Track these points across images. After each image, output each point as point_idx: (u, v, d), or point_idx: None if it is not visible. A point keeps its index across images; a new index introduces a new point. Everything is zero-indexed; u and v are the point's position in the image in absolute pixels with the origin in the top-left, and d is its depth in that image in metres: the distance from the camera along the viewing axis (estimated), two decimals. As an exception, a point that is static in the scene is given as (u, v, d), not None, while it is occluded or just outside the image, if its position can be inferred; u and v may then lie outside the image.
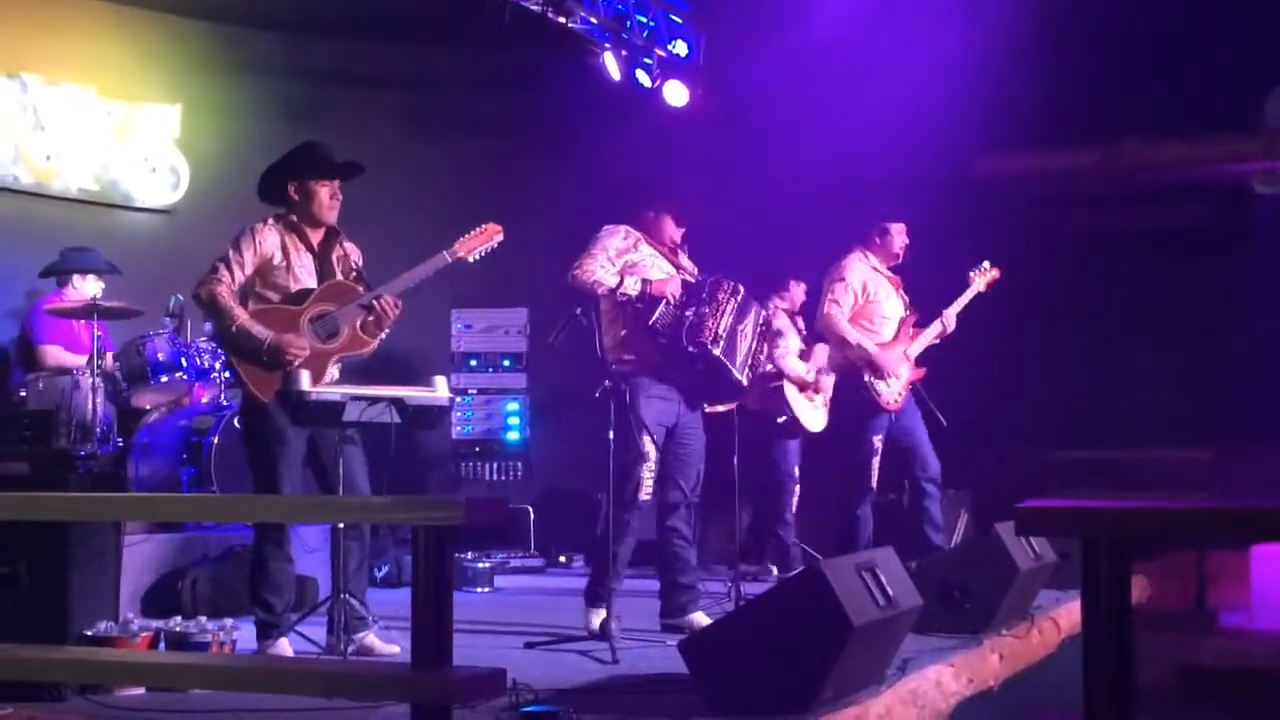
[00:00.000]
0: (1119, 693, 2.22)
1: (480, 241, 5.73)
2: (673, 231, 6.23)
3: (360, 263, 5.65)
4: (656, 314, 5.90)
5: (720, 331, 5.92)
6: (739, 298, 6.07)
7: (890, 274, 7.30)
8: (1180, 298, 9.22)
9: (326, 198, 5.50)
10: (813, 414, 8.21)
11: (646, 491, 5.93)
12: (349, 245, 5.64)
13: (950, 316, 7.30)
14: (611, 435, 5.68)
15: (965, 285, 7.39)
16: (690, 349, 5.88)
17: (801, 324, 8.35)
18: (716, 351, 5.91)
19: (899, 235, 7.25)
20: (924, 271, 7.42)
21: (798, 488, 8.30)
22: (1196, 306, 9.17)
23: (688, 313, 5.91)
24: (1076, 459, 9.06)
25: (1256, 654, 7.93)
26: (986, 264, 7.46)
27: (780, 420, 8.11)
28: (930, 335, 7.24)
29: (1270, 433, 8.71)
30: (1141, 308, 9.34)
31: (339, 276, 5.53)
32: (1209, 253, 9.22)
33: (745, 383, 6.09)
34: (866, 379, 7.02)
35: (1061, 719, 5.52)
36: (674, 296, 5.97)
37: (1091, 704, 2.24)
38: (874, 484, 7.06)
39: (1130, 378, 9.19)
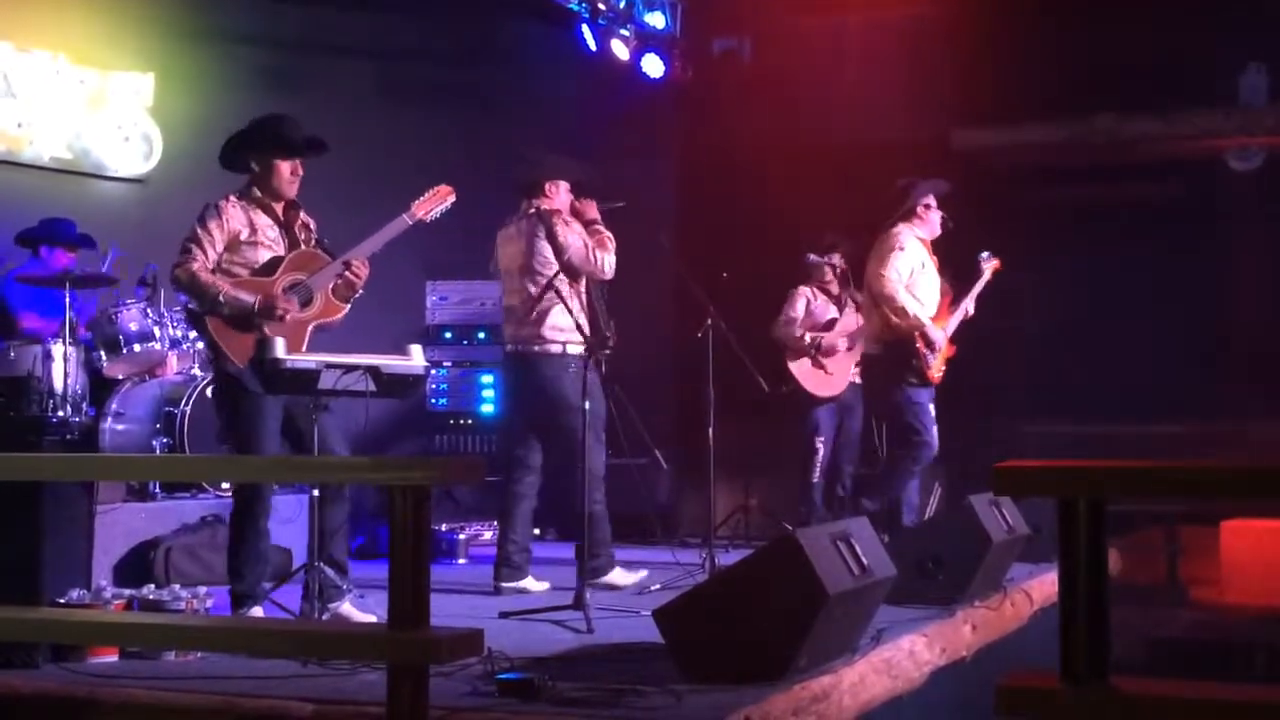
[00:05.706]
0: (1096, 650, 2.23)
1: (434, 203, 5.76)
2: (568, 202, 6.42)
3: (317, 232, 5.66)
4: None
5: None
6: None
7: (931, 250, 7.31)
8: (1153, 272, 9.24)
9: (288, 174, 5.51)
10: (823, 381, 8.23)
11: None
12: (306, 215, 5.66)
13: (970, 303, 7.40)
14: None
15: (974, 271, 7.44)
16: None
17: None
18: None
19: (938, 213, 7.25)
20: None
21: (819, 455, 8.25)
22: (1171, 281, 9.19)
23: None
24: (1055, 433, 9.08)
25: (1226, 628, 7.99)
26: (987, 254, 7.49)
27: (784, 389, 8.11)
28: (958, 319, 7.31)
29: (1253, 405, 8.76)
30: (1115, 282, 9.35)
31: (304, 246, 5.55)
32: (1183, 228, 9.25)
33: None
34: (921, 350, 7.03)
35: (1036, 674, 5.55)
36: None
37: (1069, 661, 2.26)
38: (933, 452, 7.13)
39: (1106, 351, 9.21)
